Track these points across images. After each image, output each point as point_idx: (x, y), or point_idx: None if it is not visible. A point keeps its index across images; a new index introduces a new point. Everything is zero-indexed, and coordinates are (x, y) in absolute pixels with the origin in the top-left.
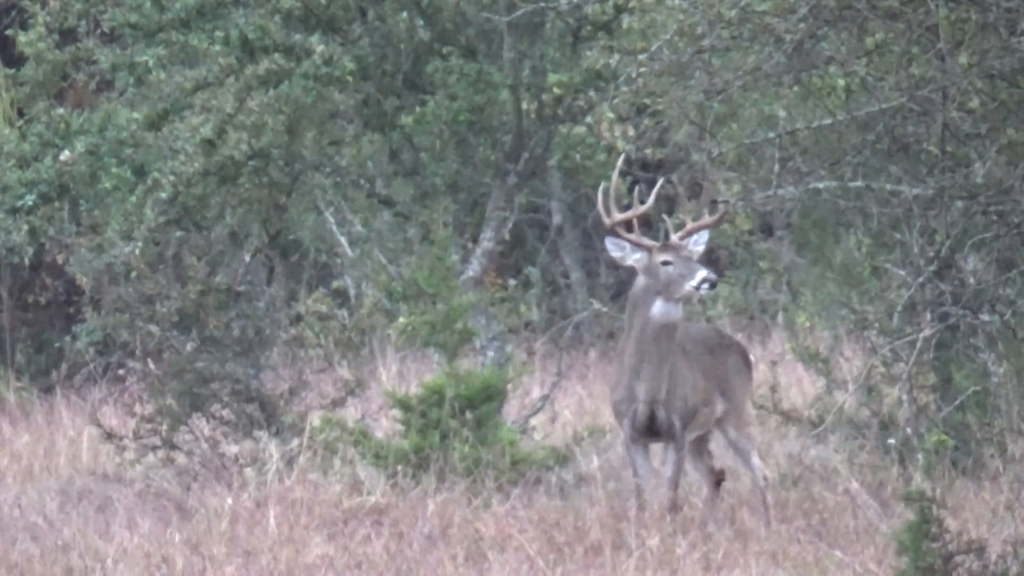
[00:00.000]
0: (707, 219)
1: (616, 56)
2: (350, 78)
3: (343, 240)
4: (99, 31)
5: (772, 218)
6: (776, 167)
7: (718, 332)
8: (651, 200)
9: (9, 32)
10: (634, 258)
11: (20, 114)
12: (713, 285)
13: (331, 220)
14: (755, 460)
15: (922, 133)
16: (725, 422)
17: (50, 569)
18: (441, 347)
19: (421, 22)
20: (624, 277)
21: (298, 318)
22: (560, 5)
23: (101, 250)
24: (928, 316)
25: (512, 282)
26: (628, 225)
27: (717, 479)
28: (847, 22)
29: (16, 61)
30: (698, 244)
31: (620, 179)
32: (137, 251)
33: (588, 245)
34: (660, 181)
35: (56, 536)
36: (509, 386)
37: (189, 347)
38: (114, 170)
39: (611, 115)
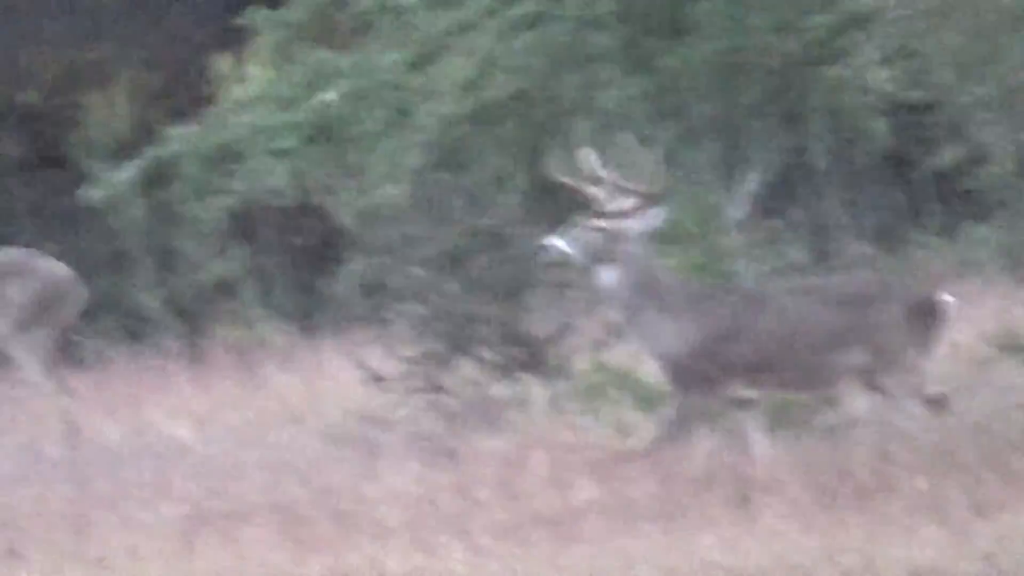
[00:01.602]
0: None
1: None
2: (611, 19)
3: None
4: None
5: None
6: None
7: (870, 283)
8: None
9: None
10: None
11: (282, 56)
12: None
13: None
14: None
15: None
16: (876, 374)
17: (317, 512)
18: None
19: None
20: (888, 218)
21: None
22: None
23: (364, 192)
24: None
25: (776, 223)
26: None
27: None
28: None
29: (277, 3)
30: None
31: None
32: (400, 193)
33: (852, 186)
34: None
35: (323, 479)
36: None
37: (454, 289)
38: (376, 112)
39: (873, 56)
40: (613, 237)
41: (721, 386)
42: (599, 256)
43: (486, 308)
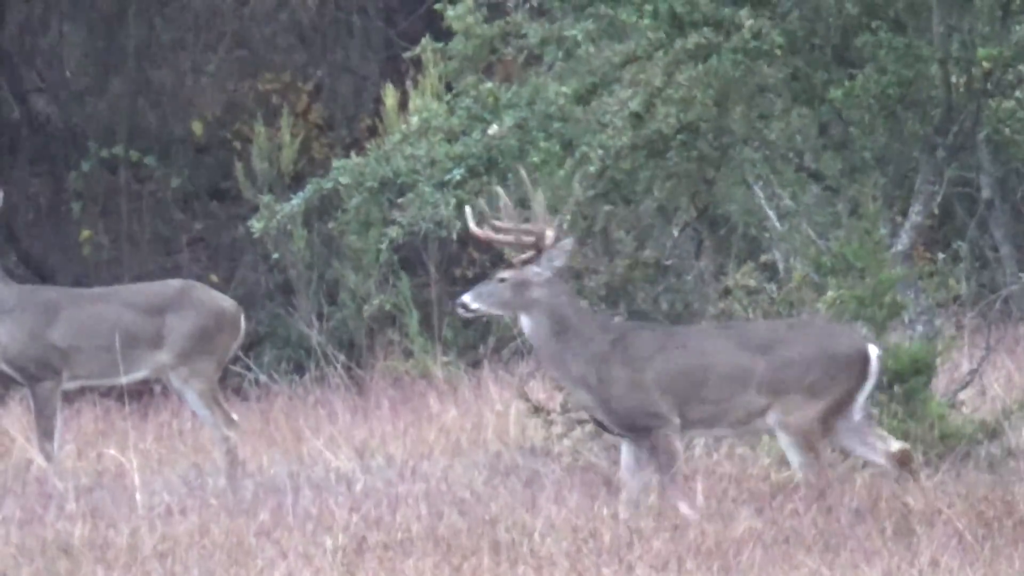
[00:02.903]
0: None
1: None
2: (779, 52)
3: (771, 214)
4: (528, 5)
5: None
6: None
7: (777, 328)
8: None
9: (438, 6)
10: None
11: (448, 88)
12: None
13: (759, 194)
14: (796, 458)
15: None
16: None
17: (477, 543)
18: (870, 321)
19: None
20: None
21: (726, 292)
22: None
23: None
24: None
25: (941, 256)
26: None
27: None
28: None
29: (445, 35)
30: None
31: None
32: (566, 225)
33: (1018, 219)
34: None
35: (483, 510)
36: (938, 360)
37: (617, 320)
38: (542, 144)
39: None
40: (517, 286)
41: (661, 422)
42: (513, 306)
43: None
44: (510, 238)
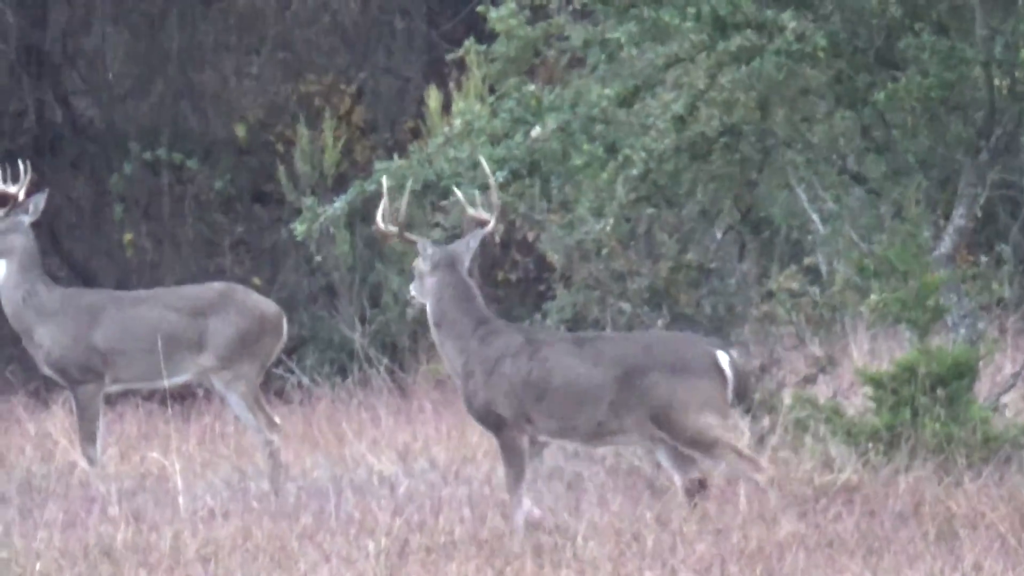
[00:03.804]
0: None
1: None
2: (822, 55)
3: (815, 217)
4: (570, 7)
5: None
6: None
7: (639, 341)
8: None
9: (480, 8)
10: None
11: (491, 90)
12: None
13: (803, 197)
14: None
15: None
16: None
17: (520, 546)
18: (913, 324)
19: None
20: None
21: (769, 295)
22: None
23: (572, 227)
24: None
25: (984, 259)
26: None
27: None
28: None
29: (488, 37)
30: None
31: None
32: (608, 228)
33: None
34: None
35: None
36: (981, 363)
37: (660, 324)
38: (585, 147)
39: None
40: (420, 275)
41: (506, 424)
42: (420, 295)
43: None
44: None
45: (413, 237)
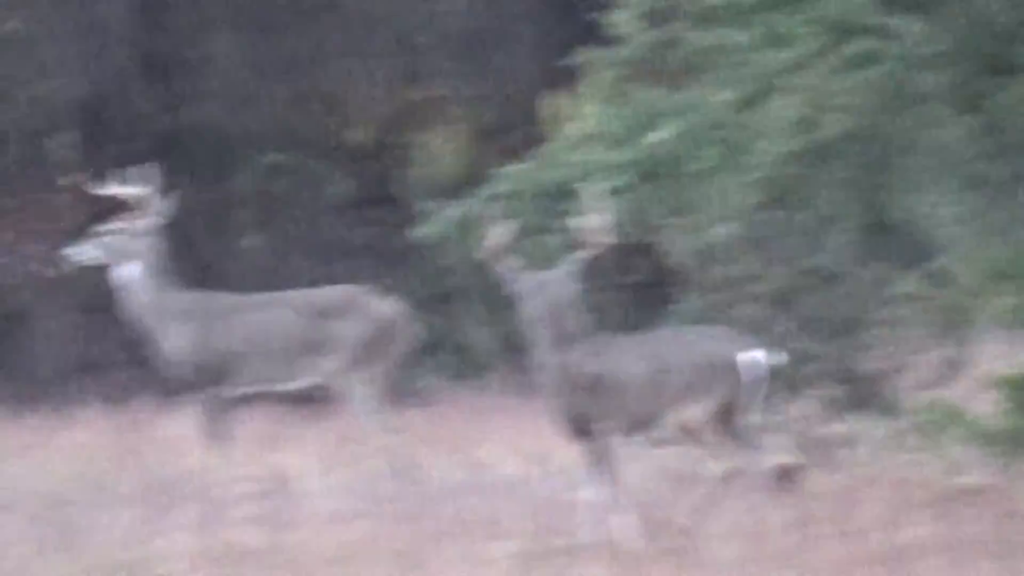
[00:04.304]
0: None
1: None
2: (943, 58)
3: (938, 220)
4: (691, 12)
5: None
6: None
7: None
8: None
9: (600, 13)
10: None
11: (611, 95)
12: None
13: (927, 200)
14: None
15: None
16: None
17: (651, 548)
18: None
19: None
20: None
21: (895, 299)
22: None
23: (694, 232)
24: None
25: None
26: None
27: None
28: None
29: (608, 42)
30: None
31: None
32: (731, 232)
33: None
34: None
35: (657, 515)
36: None
37: (787, 327)
38: (708, 151)
39: None
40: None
41: None
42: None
43: (819, 346)
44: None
45: (501, 266)
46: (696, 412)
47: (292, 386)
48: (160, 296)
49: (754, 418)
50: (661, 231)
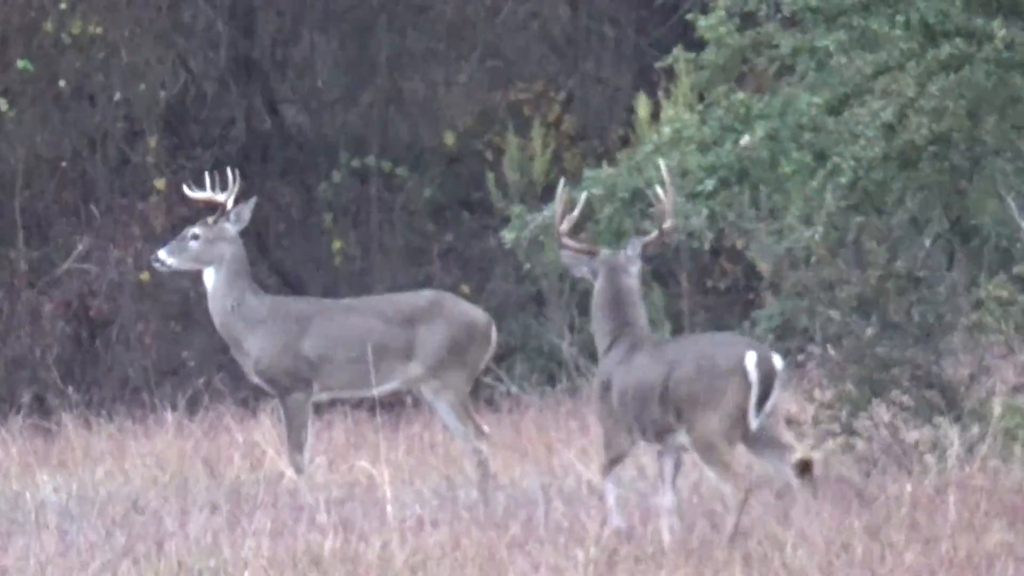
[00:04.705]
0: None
1: None
2: None
3: None
4: (780, 15)
5: None
6: None
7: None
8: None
9: (689, 16)
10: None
11: (700, 98)
12: None
13: (1012, 205)
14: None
15: None
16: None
17: (729, 555)
18: None
19: None
20: None
21: (979, 303)
22: None
23: (781, 235)
24: None
25: None
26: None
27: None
28: None
29: (696, 45)
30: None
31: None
32: (817, 236)
33: None
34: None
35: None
36: None
37: (869, 332)
38: (794, 155)
39: None
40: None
41: None
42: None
43: (902, 352)
44: None
45: (571, 244)
46: (711, 420)
47: (374, 392)
48: (242, 302)
49: (772, 421)
50: (748, 235)
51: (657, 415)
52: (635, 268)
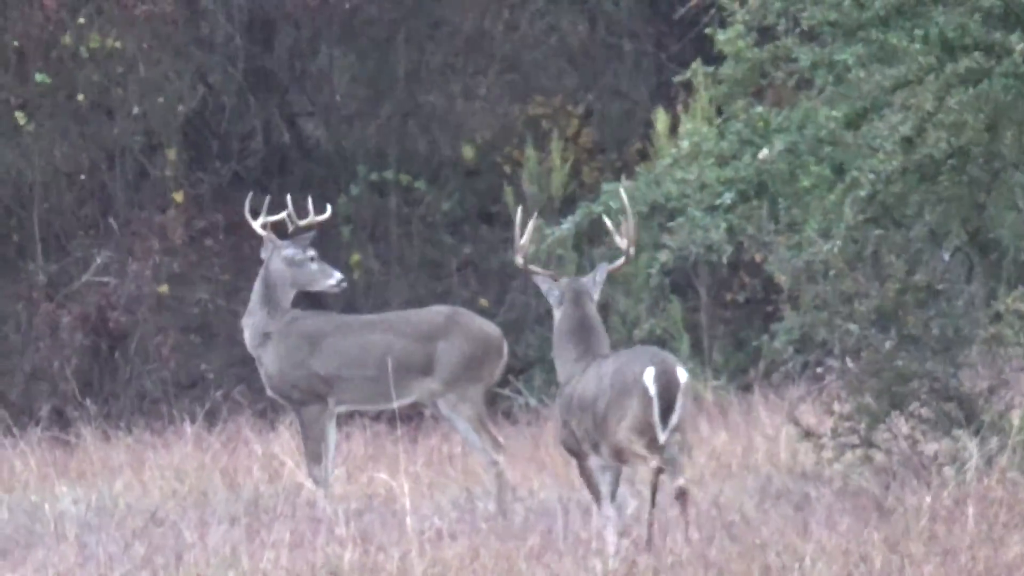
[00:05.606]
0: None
1: None
2: None
3: None
4: (798, 29)
5: None
6: None
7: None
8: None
9: (708, 30)
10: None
11: (719, 112)
12: None
13: None
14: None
15: None
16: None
17: (747, 567)
18: None
19: None
20: None
21: (998, 316)
22: None
23: (800, 248)
24: None
25: None
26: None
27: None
28: None
29: (715, 59)
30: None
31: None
32: (836, 249)
33: None
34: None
35: (753, 534)
36: None
37: (888, 345)
38: (813, 168)
39: None
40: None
41: None
42: None
43: (920, 364)
44: None
45: (536, 270)
46: (621, 434)
47: (392, 406)
48: (263, 315)
49: (677, 436)
50: (766, 248)
51: (590, 427)
52: (597, 294)
